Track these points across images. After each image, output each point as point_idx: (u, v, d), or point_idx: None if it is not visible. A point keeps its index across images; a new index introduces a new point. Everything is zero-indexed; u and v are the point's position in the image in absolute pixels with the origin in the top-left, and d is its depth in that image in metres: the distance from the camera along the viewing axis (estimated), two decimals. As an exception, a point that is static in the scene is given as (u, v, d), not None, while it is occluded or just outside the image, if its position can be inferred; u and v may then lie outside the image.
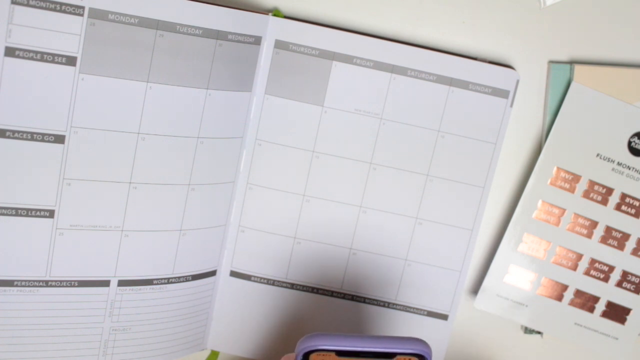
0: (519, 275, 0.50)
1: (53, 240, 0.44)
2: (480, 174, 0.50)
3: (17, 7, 0.40)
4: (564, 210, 0.50)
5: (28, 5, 0.40)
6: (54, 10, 0.41)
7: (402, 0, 0.49)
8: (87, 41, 0.42)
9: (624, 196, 0.50)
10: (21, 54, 0.41)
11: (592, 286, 0.51)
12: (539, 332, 0.52)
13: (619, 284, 0.51)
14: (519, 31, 0.50)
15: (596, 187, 0.49)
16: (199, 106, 0.46)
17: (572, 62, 0.50)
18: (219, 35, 0.45)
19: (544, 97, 0.50)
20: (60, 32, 0.41)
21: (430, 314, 0.51)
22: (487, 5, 0.50)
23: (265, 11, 0.48)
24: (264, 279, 0.50)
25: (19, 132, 0.42)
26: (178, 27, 0.44)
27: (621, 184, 0.49)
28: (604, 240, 0.50)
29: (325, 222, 0.50)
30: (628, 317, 0.51)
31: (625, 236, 0.50)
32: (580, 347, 0.52)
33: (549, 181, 0.50)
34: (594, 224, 0.50)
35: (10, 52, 0.40)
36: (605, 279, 0.50)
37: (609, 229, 0.50)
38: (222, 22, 0.45)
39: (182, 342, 0.50)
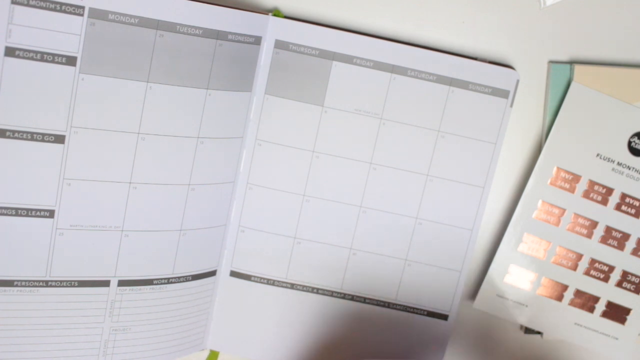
0: (519, 275, 0.50)
1: (53, 240, 0.44)
2: (480, 174, 0.50)
3: (17, 7, 0.40)
4: (564, 210, 0.50)
5: (28, 5, 0.40)
6: (54, 10, 0.41)
7: (402, 0, 0.49)
8: (87, 41, 0.42)
9: (624, 196, 0.50)
10: (21, 54, 0.41)
11: (592, 286, 0.51)
12: (539, 332, 0.52)
13: (619, 284, 0.51)
14: (519, 31, 0.50)
15: (596, 187, 0.49)
16: (199, 106, 0.46)
17: (572, 62, 0.50)
18: (219, 35, 0.45)
19: (544, 97, 0.50)
20: (60, 32, 0.41)
21: (430, 314, 0.51)
22: (487, 5, 0.50)
23: (265, 11, 0.48)
24: (264, 279, 0.50)
25: (19, 132, 0.42)
26: (178, 27, 0.44)
27: (621, 184, 0.49)
28: (604, 240, 0.50)
29: (325, 222, 0.50)
30: (628, 317, 0.51)
31: (625, 236, 0.50)
32: (580, 347, 0.52)
33: (549, 181, 0.50)
34: (594, 224, 0.50)
35: (10, 52, 0.40)
36: (605, 279, 0.50)
37: (609, 229, 0.50)
38: (222, 22, 0.45)
39: (182, 342, 0.50)
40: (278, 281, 0.51)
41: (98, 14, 0.42)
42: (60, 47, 0.41)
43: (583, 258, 0.50)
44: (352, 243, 0.50)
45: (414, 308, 0.51)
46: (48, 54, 0.41)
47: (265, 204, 0.49)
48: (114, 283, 0.47)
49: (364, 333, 0.51)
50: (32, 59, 0.41)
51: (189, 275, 0.49)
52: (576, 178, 0.49)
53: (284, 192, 0.49)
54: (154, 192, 0.46)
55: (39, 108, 0.42)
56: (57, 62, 0.42)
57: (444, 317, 0.51)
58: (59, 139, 0.43)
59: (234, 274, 0.50)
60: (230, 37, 0.45)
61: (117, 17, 0.42)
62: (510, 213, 0.51)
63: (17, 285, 0.44)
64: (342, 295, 0.51)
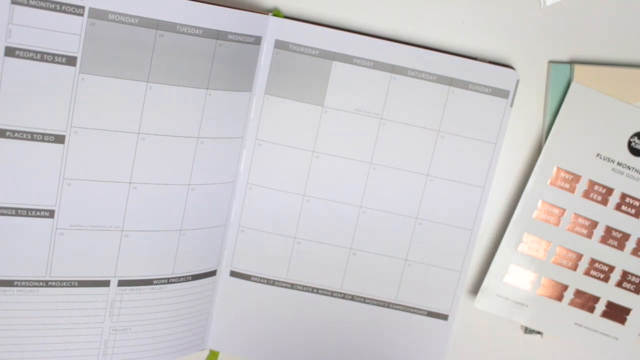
0: (519, 275, 0.50)
1: (53, 240, 0.44)
2: (480, 174, 0.50)
3: (17, 7, 0.40)
4: (564, 210, 0.50)
5: (28, 5, 0.40)
6: (54, 10, 0.41)
7: (402, 0, 0.49)
8: (87, 41, 0.42)
9: (624, 196, 0.50)
10: (21, 54, 0.41)
11: (592, 286, 0.51)
12: (539, 332, 0.52)
13: (619, 284, 0.51)
14: (519, 31, 0.50)
15: (596, 187, 0.49)
16: (199, 106, 0.46)
17: (572, 62, 0.50)
18: (219, 35, 0.45)
19: (544, 97, 0.50)
20: (60, 32, 0.41)
21: (430, 314, 0.51)
22: (487, 5, 0.50)
23: (265, 11, 0.48)
24: (264, 279, 0.50)
25: (19, 132, 0.42)
26: (178, 27, 0.44)
27: (621, 184, 0.49)
28: (604, 240, 0.50)
29: (325, 222, 0.50)
30: (628, 317, 0.51)
31: (625, 236, 0.50)
32: (580, 347, 0.52)
33: (549, 181, 0.50)
34: (594, 224, 0.50)
35: (10, 52, 0.40)
36: (605, 279, 0.50)
37: (609, 229, 0.50)
38: (222, 22, 0.45)
39: (182, 342, 0.50)
40: (278, 281, 0.51)
41: (98, 14, 0.42)
42: (60, 47, 0.41)
43: (583, 258, 0.50)
44: (352, 243, 0.50)
45: (414, 308, 0.51)
46: (48, 54, 0.41)
47: (265, 204, 0.49)
48: (114, 283, 0.47)
49: (364, 333, 0.51)
50: (32, 59, 0.41)
51: (189, 275, 0.49)
52: (576, 178, 0.49)
53: (284, 192, 0.49)
54: (154, 192, 0.46)
55: (39, 108, 0.42)
56: (57, 62, 0.42)
57: (444, 317, 0.51)
58: (59, 139, 0.43)
59: (234, 274, 0.50)
60: (230, 37, 0.45)
61: (117, 17, 0.42)
62: (510, 213, 0.51)
63: (17, 285, 0.44)
64: (342, 295, 0.51)
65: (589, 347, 0.51)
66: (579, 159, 0.49)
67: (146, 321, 0.48)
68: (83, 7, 0.41)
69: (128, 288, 0.47)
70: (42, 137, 0.43)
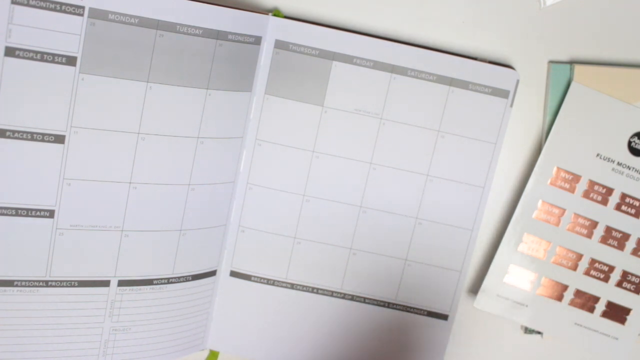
0: (519, 275, 0.50)
1: (53, 240, 0.44)
2: (480, 174, 0.50)
3: (17, 7, 0.40)
4: (564, 210, 0.50)
5: (28, 5, 0.40)
6: (54, 10, 0.41)
7: (402, 0, 0.49)
8: (87, 41, 0.42)
9: (624, 196, 0.50)
10: (21, 54, 0.41)
11: (592, 286, 0.51)
12: (539, 332, 0.52)
13: (619, 284, 0.51)
14: (519, 31, 0.50)
15: (596, 187, 0.49)
16: (199, 106, 0.46)
17: (572, 62, 0.50)
18: (219, 35, 0.45)
19: (544, 97, 0.50)
20: (60, 32, 0.41)
21: (430, 314, 0.51)
22: (487, 5, 0.50)
23: (265, 11, 0.48)
24: (264, 279, 0.50)
25: (19, 132, 0.42)
26: (178, 27, 0.44)
27: (621, 184, 0.49)
28: (604, 240, 0.50)
29: (325, 222, 0.50)
30: (628, 317, 0.51)
31: (625, 236, 0.50)
32: (580, 347, 0.52)
33: (549, 181, 0.50)
34: (594, 224, 0.50)
35: (10, 52, 0.40)
36: (605, 279, 0.50)
37: (609, 229, 0.50)
38: (222, 22, 0.45)
39: (182, 342, 0.50)
40: (278, 281, 0.51)
41: (98, 14, 0.42)
42: (60, 47, 0.41)
43: (583, 258, 0.50)
44: (352, 243, 0.50)
45: (414, 308, 0.51)
46: (48, 54, 0.41)
47: (265, 204, 0.49)
48: (114, 283, 0.47)
49: (364, 333, 0.51)
50: (32, 59, 0.41)
51: (189, 275, 0.49)
52: (576, 178, 0.49)
53: (284, 192, 0.49)
54: (154, 192, 0.46)
55: (39, 108, 0.42)
56: (57, 62, 0.42)
57: (444, 317, 0.51)
58: (59, 139, 0.43)
59: (234, 274, 0.50)
60: (230, 37, 0.45)
61: (117, 17, 0.42)
62: (510, 213, 0.51)
63: (17, 285, 0.44)
64: (342, 295, 0.51)
65: (589, 347, 0.51)
66: (579, 159, 0.49)
67: (146, 321, 0.48)
68: (83, 7, 0.41)
69: (128, 288, 0.47)
70: (42, 137, 0.43)
